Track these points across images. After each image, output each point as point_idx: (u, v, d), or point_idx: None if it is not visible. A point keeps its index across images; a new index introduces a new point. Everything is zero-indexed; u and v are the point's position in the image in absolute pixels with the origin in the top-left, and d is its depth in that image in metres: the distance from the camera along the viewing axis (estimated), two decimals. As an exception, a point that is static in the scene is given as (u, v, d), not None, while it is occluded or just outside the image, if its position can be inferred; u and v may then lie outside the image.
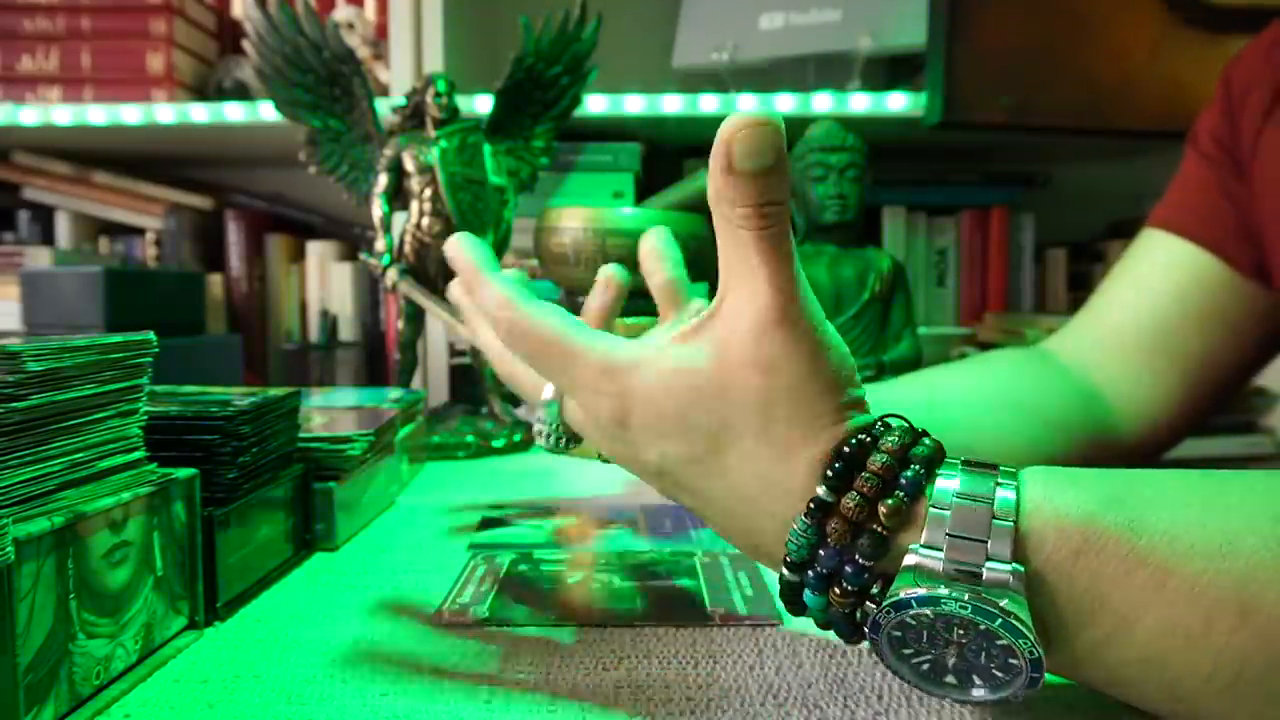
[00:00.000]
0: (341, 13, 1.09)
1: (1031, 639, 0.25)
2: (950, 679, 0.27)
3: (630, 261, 0.73)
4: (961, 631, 0.26)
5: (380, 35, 1.10)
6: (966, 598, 0.25)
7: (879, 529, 0.27)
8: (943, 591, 0.25)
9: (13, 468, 0.28)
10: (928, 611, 0.26)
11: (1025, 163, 1.22)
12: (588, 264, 0.73)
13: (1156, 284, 0.58)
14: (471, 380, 0.88)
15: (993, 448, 0.48)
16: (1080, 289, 1.20)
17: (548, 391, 0.36)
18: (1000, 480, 0.27)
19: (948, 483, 0.27)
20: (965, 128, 0.92)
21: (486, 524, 0.53)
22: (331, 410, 0.61)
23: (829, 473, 0.28)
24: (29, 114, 1.00)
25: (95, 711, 0.30)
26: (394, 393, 0.71)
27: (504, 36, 0.85)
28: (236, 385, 0.51)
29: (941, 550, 0.26)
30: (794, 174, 0.77)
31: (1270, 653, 0.24)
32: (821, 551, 0.28)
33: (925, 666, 0.27)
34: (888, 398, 0.50)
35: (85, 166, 1.15)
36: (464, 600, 0.40)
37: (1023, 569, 0.26)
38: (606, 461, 0.37)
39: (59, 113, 1.00)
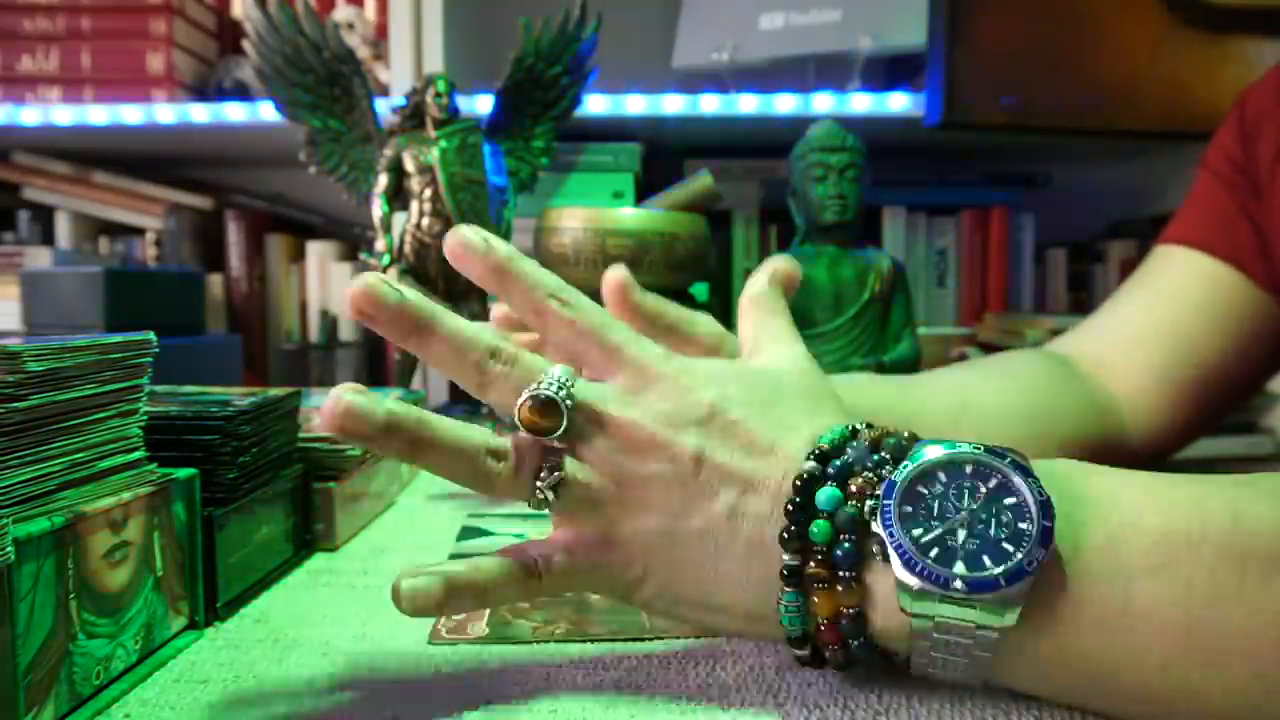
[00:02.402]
0: (341, 13, 1.09)
1: (1039, 480, 0.28)
2: (959, 567, 0.27)
3: (630, 262, 0.74)
4: (972, 495, 0.28)
5: (380, 35, 1.10)
6: (979, 445, 0.29)
7: (898, 439, 0.30)
8: (955, 446, 0.29)
9: (13, 468, 0.28)
10: (941, 468, 0.29)
11: (1025, 163, 1.22)
12: (588, 264, 0.73)
13: (1175, 294, 0.58)
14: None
15: None
16: (1080, 289, 1.21)
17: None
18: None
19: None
20: (965, 128, 0.92)
21: (466, 533, 0.52)
22: (331, 410, 0.61)
23: (856, 425, 0.32)
24: (29, 114, 1.00)
25: (95, 711, 0.30)
26: (394, 393, 0.71)
27: (504, 36, 0.85)
28: (236, 385, 0.51)
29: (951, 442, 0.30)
30: (794, 174, 0.77)
31: (1270, 539, 0.26)
32: (849, 447, 0.30)
33: (935, 552, 0.27)
34: (920, 399, 0.51)
35: (85, 166, 1.15)
36: (459, 617, 0.38)
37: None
38: None
39: (59, 113, 1.00)
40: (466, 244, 0.33)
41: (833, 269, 0.74)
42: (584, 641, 0.36)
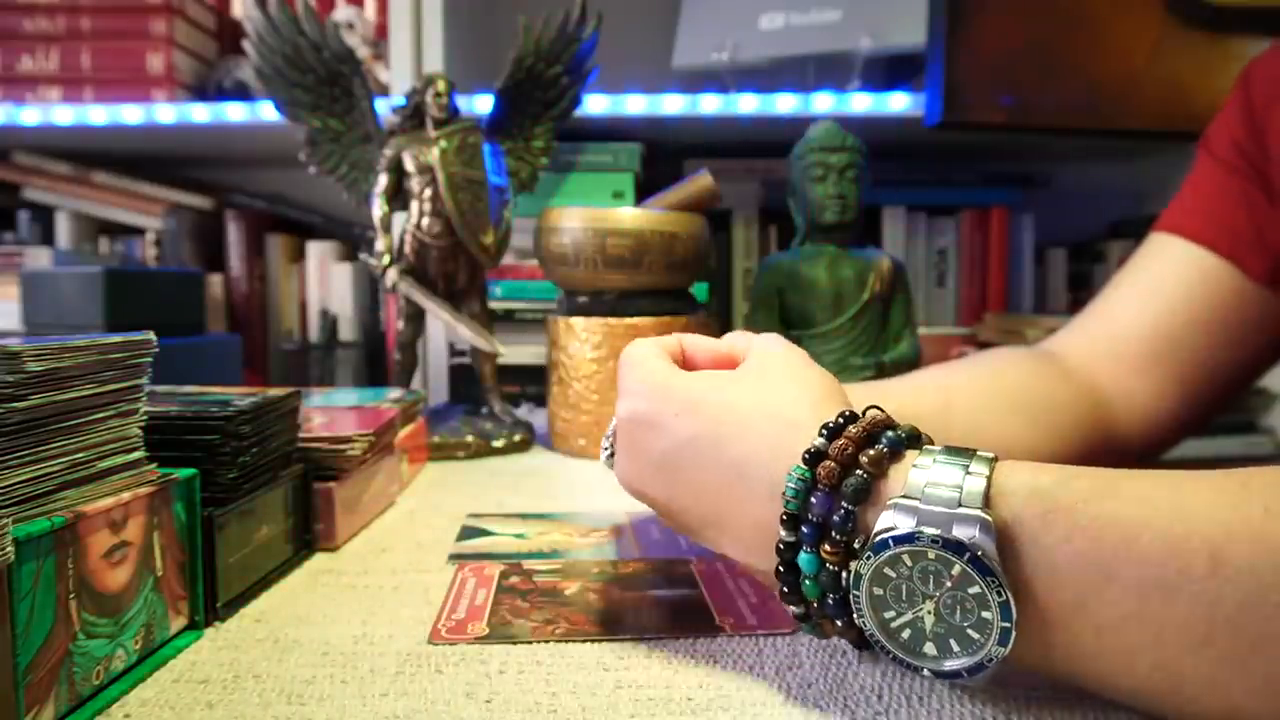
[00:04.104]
0: (341, 13, 1.09)
1: (999, 578, 0.27)
2: (929, 649, 0.29)
3: (630, 262, 0.74)
4: (937, 581, 0.28)
5: (380, 35, 1.10)
6: (938, 532, 0.28)
7: (862, 473, 0.30)
8: (916, 527, 0.28)
9: (13, 468, 0.28)
10: (905, 553, 0.28)
11: (1025, 163, 1.22)
12: (588, 264, 0.73)
13: (1164, 287, 0.57)
14: (471, 380, 0.88)
15: (997, 450, 0.49)
16: (1080, 289, 1.21)
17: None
18: (977, 453, 0.30)
19: (926, 456, 0.30)
20: (965, 128, 0.92)
21: (466, 533, 0.52)
22: (331, 410, 0.61)
23: (824, 430, 0.32)
24: (29, 114, 1.00)
25: (95, 711, 0.30)
26: (394, 393, 0.71)
27: (504, 36, 0.85)
28: (236, 385, 0.51)
29: (918, 499, 0.29)
30: (794, 174, 0.77)
31: (1241, 595, 0.24)
32: (813, 498, 0.30)
33: (906, 634, 0.29)
34: (904, 400, 0.50)
35: (85, 166, 1.15)
36: (459, 617, 0.38)
37: (990, 518, 0.27)
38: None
39: (59, 113, 1.00)
40: None
41: (833, 269, 0.74)
42: (584, 641, 0.36)
